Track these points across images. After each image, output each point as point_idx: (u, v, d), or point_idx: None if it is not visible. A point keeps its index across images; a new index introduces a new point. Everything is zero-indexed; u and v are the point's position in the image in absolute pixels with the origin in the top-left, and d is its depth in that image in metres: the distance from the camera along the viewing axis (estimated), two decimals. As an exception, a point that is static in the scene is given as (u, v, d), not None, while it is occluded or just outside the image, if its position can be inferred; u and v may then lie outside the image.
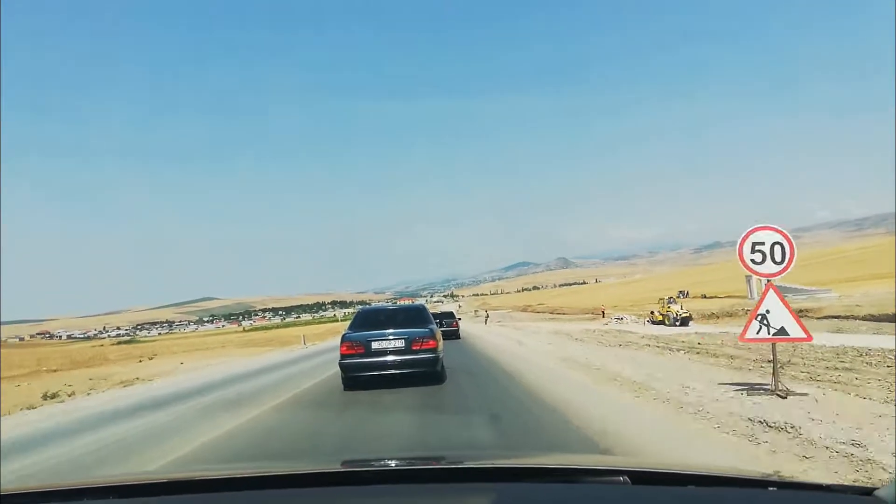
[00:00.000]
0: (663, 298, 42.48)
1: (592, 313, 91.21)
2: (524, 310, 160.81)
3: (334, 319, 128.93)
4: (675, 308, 39.72)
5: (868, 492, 1.47)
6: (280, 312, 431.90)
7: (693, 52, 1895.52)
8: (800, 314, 28.56)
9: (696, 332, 22.70)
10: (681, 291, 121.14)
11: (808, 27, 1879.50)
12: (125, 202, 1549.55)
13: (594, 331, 29.09)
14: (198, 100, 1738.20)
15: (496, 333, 32.85)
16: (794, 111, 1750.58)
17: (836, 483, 1.58)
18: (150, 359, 40.39)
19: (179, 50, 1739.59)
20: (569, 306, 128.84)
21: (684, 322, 37.44)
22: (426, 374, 10.44)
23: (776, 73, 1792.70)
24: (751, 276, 38.52)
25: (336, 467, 2.16)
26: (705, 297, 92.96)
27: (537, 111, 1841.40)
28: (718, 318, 42.65)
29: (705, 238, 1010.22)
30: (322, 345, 37.98)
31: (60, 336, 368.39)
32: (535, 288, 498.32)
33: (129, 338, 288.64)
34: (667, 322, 38.78)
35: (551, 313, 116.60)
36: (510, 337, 27.29)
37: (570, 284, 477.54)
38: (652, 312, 43.61)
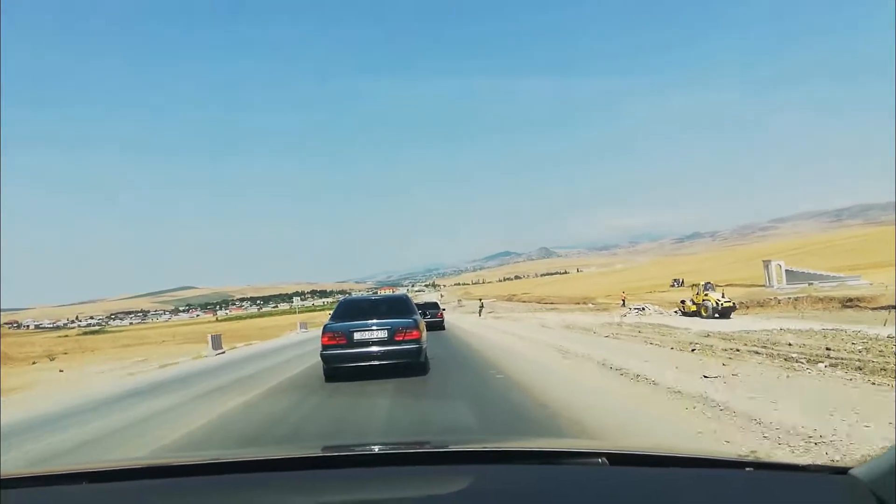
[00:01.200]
0: (697, 284, 35.77)
1: (584, 302, 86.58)
2: (509, 299, 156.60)
3: (292, 311, 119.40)
4: (713, 296, 33.11)
5: (843, 471, 1.48)
6: (258, 302, 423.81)
7: (679, 50, 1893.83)
8: (848, 303, 22.73)
9: (780, 329, 16.99)
10: (675, 280, 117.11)
11: (793, 24, 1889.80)
12: (108, 192, 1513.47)
13: (618, 324, 23.52)
14: (183, 91, 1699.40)
15: (503, 331, 23.97)
16: (774, 104, 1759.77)
17: (812, 463, 1.56)
18: (52, 359, 34.08)
19: (159, 42, 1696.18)
20: (557, 295, 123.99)
21: (725, 313, 31.34)
22: (409, 365, 10.26)
23: (758, 69, 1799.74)
24: (769, 261, 33.00)
25: (319, 451, 2.18)
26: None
27: (521, 102, 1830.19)
28: (748, 307, 37.42)
29: (686, 229, 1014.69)
30: (255, 348, 28.04)
31: (29, 326, 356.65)
32: (516, 277, 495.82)
33: (98, 328, 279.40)
34: (704, 313, 32.48)
35: (539, 302, 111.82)
36: (536, 339, 17.92)
37: (552, 274, 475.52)
38: (682, 301, 37.18)
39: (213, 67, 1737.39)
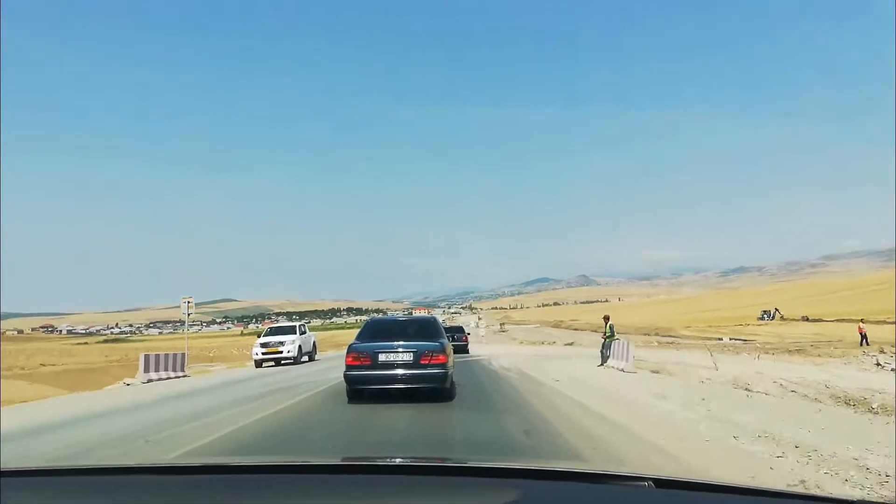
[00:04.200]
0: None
1: (657, 333, 73.34)
2: (556, 325, 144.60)
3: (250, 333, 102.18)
4: None
5: None
6: (294, 317, 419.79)
7: (721, 82, 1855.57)
8: None
9: None
10: (765, 311, 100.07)
11: (834, 60, 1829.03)
12: (161, 203, 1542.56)
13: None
14: (226, 103, 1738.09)
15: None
16: (822, 139, 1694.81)
17: (862, 498, 1.53)
18: None
19: (227, 54, 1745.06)
20: (614, 324, 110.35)
21: None
22: (434, 390, 9.98)
23: (805, 102, 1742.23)
24: None
25: (340, 460, 2.17)
26: (807, 319, 73.92)
27: (564, 128, 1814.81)
28: None
29: (730, 262, 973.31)
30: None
31: (61, 331, 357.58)
32: (555, 304, 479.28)
33: (124, 336, 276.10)
34: None
35: (593, 332, 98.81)
36: None
37: (592, 302, 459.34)
38: None
39: (257, 79, 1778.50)
